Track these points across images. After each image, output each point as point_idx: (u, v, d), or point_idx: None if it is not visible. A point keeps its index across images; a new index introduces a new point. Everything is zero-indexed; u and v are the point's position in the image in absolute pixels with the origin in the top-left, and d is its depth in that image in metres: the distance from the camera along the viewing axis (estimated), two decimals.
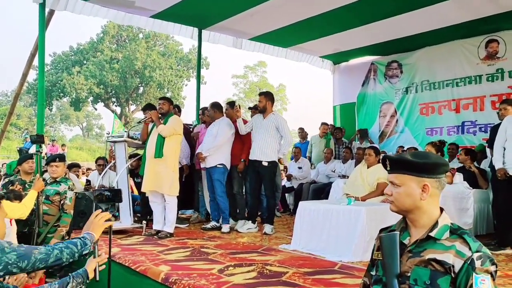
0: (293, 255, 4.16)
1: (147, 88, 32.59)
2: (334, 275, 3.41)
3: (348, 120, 9.24)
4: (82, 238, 2.10)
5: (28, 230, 4.34)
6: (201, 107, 7.38)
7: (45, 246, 1.93)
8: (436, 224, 1.50)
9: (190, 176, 6.23)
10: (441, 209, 1.55)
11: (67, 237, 4.56)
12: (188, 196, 6.31)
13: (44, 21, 5.84)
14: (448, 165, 1.62)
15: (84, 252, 2.06)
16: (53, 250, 1.92)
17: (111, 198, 2.55)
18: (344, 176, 6.86)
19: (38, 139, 4.59)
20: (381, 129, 8.71)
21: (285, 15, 6.70)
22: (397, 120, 8.50)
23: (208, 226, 5.60)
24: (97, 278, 2.24)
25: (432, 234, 1.49)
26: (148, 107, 5.70)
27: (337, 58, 9.38)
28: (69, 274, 2.22)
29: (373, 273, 1.65)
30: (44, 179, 4.45)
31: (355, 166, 6.02)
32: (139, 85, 33.05)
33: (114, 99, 34.05)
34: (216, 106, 5.79)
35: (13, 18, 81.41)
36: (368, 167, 5.17)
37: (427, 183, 1.51)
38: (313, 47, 8.54)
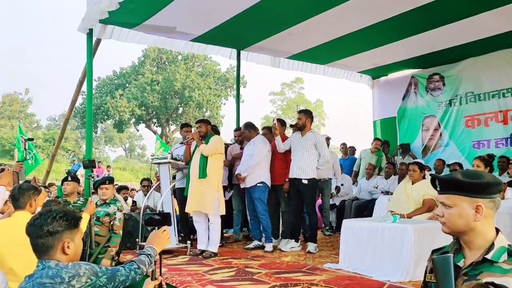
0: (338, 274, 4.10)
1: (187, 108, 33.33)
2: None
3: (389, 135, 9.07)
4: (149, 256, 2.19)
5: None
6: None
7: (124, 267, 2.07)
8: (492, 246, 1.46)
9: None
10: (497, 230, 1.51)
11: (116, 257, 4.71)
12: (229, 216, 6.36)
13: (92, 50, 6.16)
14: (502, 184, 1.58)
15: (150, 270, 2.17)
16: (130, 272, 2.06)
17: (161, 221, 2.63)
18: (387, 193, 6.72)
19: (89, 164, 4.81)
20: (424, 143, 8.49)
21: (323, 33, 6.74)
22: (441, 134, 8.27)
23: (251, 245, 5.60)
24: None
25: (489, 256, 1.44)
26: (184, 126, 5.87)
27: (376, 72, 9.29)
28: None
29: None
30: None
31: (398, 182, 5.89)
32: (179, 105, 33.88)
33: (155, 120, 35.03)
34: (250, 126, 5.85)
35: (61, 46, 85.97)
36: (412, 183, 5.05)
37: (480, 203, 1.47)
38: (351, 63, 8.51)
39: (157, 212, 5.16)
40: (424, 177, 5.05)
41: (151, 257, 2.22)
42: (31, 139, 5.71)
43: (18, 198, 3.27)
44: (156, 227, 2.41)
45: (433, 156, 8.13)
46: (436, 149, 8.30)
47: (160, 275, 2.43)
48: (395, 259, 3.90)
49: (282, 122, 6.19)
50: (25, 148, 4.93)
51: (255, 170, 5.56)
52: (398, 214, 4.55)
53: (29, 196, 3.27)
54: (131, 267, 2.09)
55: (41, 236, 1.89)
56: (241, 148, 6.27)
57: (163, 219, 2.62)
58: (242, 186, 5.69)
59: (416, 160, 6.64)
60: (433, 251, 1.69)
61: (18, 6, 78.58)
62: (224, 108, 34.64)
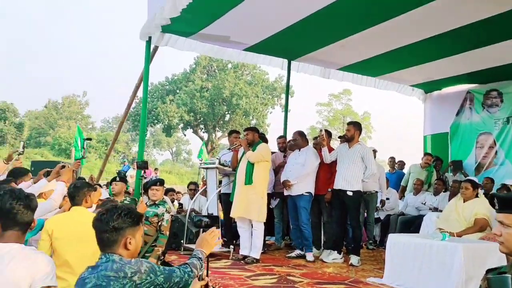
0: None
1: (234, 116, 33.81)
2: None
3: (440, 150, 8.77)
4: (200, 260, 2.28)
5: None
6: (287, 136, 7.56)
7: (179, 269, 2.16)
8: None
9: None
10: None
11: (162, 257, 4.86)
12: (271, 223, 6.39)
13: (149, 56, 6.45)
14: None
15: (200, 274, 2.25)
16: (184, 275, 2.15)
17: (209, 224, 2.72)
18: (435, 209, 6.50)
19: (142, 165, 5.00)
20: (477, 161, 8.16)
21: (375, 45, 6.69)
22: (496, 152, 7.91)
23: (293, 254, 5.60)
24: None
25: None
26: (233, 133, 5.98)
27: (429, 86, 9.05)
28: None
29: None
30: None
31: (449, 200, 5.70)
32: (226, 112, 34.44)
33: (202, 126, 35.78)
34: (303, 134, 5.89)
35: (117, 53, 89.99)
36: (464, 201, 4.88)
37: None
38: (403, 76, 8.36)
39: (206, 215, 5.29)
40: (477, 196, 4.87)
41: (201, 260, 2.30)
42: (89, 139, 6.02)
43: (74, 196, 3.47)
44: (203, 230, 2.48)
45: (486, 174, 7.79)
46: (491, 167, 7.95)
47: (207, 276, 2.51)
48: (442, 278, 3.78)
49: (328, 134, 6.17)
50: (83, 147, 5.22)
51: (304, 179, 5.58)
52: (448, 232, 4.41)
53: (84, 193, 3.46)
54: (185, 269, 2.17)
55: (106, 231, 2.01)
56: (284, 156, 6.31)
57: (212, 221, 2.72)
58: (286, 193, 5.69)
59: (469, 178, 6.39)
60: (488, 271, 1.64)
61: (78, 12, 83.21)
62: (270, 117, 34.88)
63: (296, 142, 5.87)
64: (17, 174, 3.98)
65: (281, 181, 5.69)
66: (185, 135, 41.17)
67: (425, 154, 8.00)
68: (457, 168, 8.00)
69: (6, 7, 70.73)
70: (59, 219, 3.45)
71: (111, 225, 2.01)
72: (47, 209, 3.69)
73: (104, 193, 5.30)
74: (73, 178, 4.65)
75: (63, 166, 3.98)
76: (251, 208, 5.15)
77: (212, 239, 2.41)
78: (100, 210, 2.15)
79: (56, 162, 4.43)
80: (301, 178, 5.56)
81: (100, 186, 6.13)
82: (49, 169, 4.18)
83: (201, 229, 3.54)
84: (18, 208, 1.96)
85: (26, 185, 3.80)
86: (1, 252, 1.89)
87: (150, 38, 6.30)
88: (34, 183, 3.97)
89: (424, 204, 6.99)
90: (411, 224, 6.46)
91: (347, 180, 5.32)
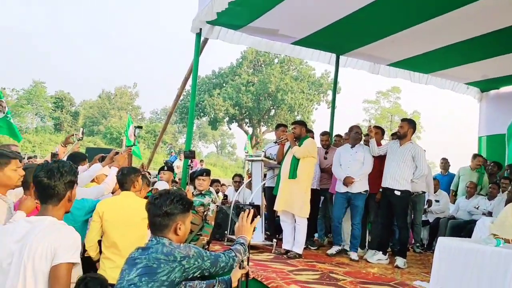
0: None
1: (279, 111, 33.79)
2: None
3: (496, 153, 8.34)
4: (243, 245, 2.31)
5: None
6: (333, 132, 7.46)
7: (224, 254, 2.21)
8: None
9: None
10: None
11: (207, 246, 4.94)
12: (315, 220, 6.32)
13: (199, 49, 6.55)
14: None
15: (245, 258, 2.31)
16: (229, 260, 2.20)
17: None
18: (489, 214, 6.19)
19: (190, 155, 5.10)
20: None
21: (428, 41, 6.44)
22: None
23: (333, 251, 5.50)
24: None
25: None
26: (280, 126, 5.96)
27: (486, 85, 8.62)
28: (216, 278, 2.43)
29: None
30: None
31: (505, 204, 5.40)
32: (271, 107, 34.47)
33: (247, 120, 36.03)
34: (360, 130, 5.79)
35: (168, 45, 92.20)
36: None
37: None
38: (457, 74, 8.01)
39: (249, 204, 5.33)
40: None
41: (244, 245, 2.33)
42: (140, 127, 6.22)
43: (122, 182, 3.60)
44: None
45: None
46: None
47: (248, 264, 2.53)
48: (495, 286, 3.59)
49: (381, 130, 6.02)
50: (134, 135, 5.41)
51: (364, 177, 5.49)
52: (503, 238, 4.18)
53: (132, 179, 3.58)
54: (229, 254, 2.22)
55: (159, 215, 2.08)
56: (326, 153, 6.21)
57: (255, 211, 2.72)
58: (345, 190, 5.47)
59: None
60: None
61: (133, 5, 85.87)
62: (316, 113, 34.55)
63: (354, 136, 5.61)
64: (75, 158, 4.18)
65: (342, 178, 5.46)
66: (230, 128, 41.68)
67: (476, 155, 7.60)
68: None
69: None
70: (110, 202, 3.59)
71: (163, 209, 2.08)
72: (100, 192, 3.86)
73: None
74: (130, 163, 4.82)
75: (117, 153, 4.14)
76: (294, 202, 5.12)
77: (248, 223, 2.42)
78: (153, 194, 2.21)
79: (110, 149, 4.62)
80: (362, 176, 5.46)
81: (149, 173, 6.34)
82: (103, 155, 4.36)
83: None
84: (48, 181, 1.97)
85: (82, 169, 3.99)
86: (34, 223, 1.94)
87: (200, 30, 6.39)
88: (89, 167, 4.15)
89: (477, 208, 6.67)
90: (462, 229, 6.19)
91: (396, 179, 5.17)
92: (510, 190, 5.75)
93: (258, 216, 2.54)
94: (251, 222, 2.44)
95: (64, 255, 1.86)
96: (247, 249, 2.33)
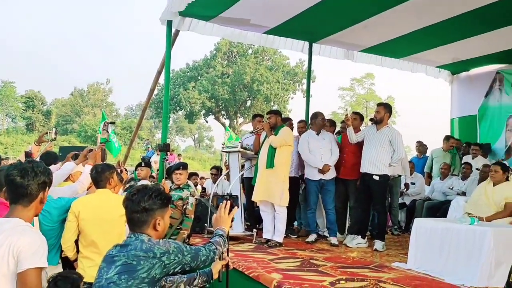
0: (408, 274, 3.97)
1: (255, 102, 33.81)
2: None
3: (468, 134, 8.54)
4: (222, 237, 2.29)
5: None
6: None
7: (205, 248, 2.19)
8: None
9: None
10: None
11: (187, 240, 4.91)
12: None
13: (170, 40, 6.43)
14: None
15: (224, 249, 2.29)
16: (210, 253, 2.18)
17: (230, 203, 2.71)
18: (463, 194, 6.35)
19: (164, 148, 5.04)
20: (507, 144, 7.89)
21: (400, 25, 6.49)
22: None
23: (312, 239, 5.50)
24: (220, 279, 2.39)
25: None
26: (256, 116, 5.94)
27: (456, 67, 8.77)
28: (197, 271, 2.41)
29: None
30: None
31: (478, 184, 5.54)
32: (247, 98, 34.45)
33: (223, 112, 35.92)
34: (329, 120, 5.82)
35: (138, 39, 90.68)
36: (494, 185, 4.73)
37: None
38: (429, 57, 8.11)
39: (225, 194, 5.32)
40: (507, 179, 4.72)
41: (223, 237, 2.31)
42: (113, 122, 6.12)
43: (97, 180, 3.53)
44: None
45: None
46: None
47: (228, 255, 2.52)
48: (471, 263, 3.69)
49: (360, 116, 6.06)
50: (107, 131, 5.30)
51: (333, 164, 5.59)
52: (476, 216, 4.29)
53: (107, 176, 3.51)
54: (210, 247, 2.20)
55: (137, 211, 2.05)
56: None
57: (232, 202, 2.70)
58: (319, 177, 5.50)
59: (499, 161, 6.19)
60: None
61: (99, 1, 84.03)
62: (292, 102, 34.73)
63: (318, 123, 5.66)
64: (48, 157, 4.08)
65: (319, 166, 5.46)
66: (207, 121, 41.45)
67: (448, 137, 7.77)
68: (486, 151, 7.77)
69: None
70: (86, 200, 3.52)
71: (142, 205, 2.05)
72: (74, 191, 3.77)
73: None
74: (103, 158, 4.73)
75: (91, 150, 4.05)
76: (273, 192, 5.13)
77: (226, 214, 2.40)
78: (131, 190, 2.17)
79: (84, 147, 4.53)
80: (333, 163, 5.56)
81: (126, 170, 6.24)
82: (77, 152, 4.26)
83: None
84: (21, 180, 1.89)
85: (55, 168, 3.89)
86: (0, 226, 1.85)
87: (170, 22, 6.28)
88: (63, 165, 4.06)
89: (452, 189, 6.83)
90: (438, 210, 6.33)
91: (374, 164, 5.23)
92: (483, 170, 5.90)
93: (236, 207, 2.52)
94: (229, 213, 2.42)
95: (31, 259, 1.78)
96: (226, 240, 2.31)
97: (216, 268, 2.42)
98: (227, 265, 2.50)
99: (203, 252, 2.15)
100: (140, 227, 2.06)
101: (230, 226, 2.47)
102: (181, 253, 2.04)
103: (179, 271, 2.07)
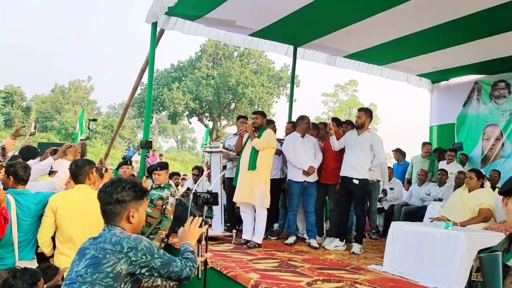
0: (383, 276, 4.04)
1: (239, 104, 33.77)
2: None
3: (446, 141, 8.72)
4: (193, 253, 2.21)
5: None
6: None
7: (181, 261, 2.08)
8: None
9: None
10: None
11: (166, 240, 4.89)
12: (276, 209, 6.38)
13: (155, 39, 6.41)
14: None
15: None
16: (185, 267, 2.07)
17: (208, 200, 2.72)
18: (440, 200, 6.48)
19: (146, 145, 5.01)
20: (484, 153, 8.09)
21: (382, 33, 6.59)
22: (503, 144, 7.84)
23: (291, 241, 5.53)
24: (200, 276, 2.38)
25: None
26: (240, 117, 5.96)
27: (436, 76, 8.96)
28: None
29: None
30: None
31: (454, 190, 5.68)
32: (232, 101, 34.39)
33: (207, 114, 35.78)
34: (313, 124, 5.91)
35: (122, 37, 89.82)
36: (469, 191, 4.85)
37: None
38: (410, 65, 8.27)
39: (206, 191, 5.30)
40: (482, 186, 4.85)
41: (193, 253, 2.24)
42: (95, 120, 6.04)
43: (77, 175, 3.50)
44: (201, 206, 2.45)
45: (493, 166, 7.72)
46: (497, 159, 7.89)
47: (206, 253, 2.52)
48: (445, 266, 3.78)
49: (338, 122, 6.15)
50: (88, 128, 5.25)
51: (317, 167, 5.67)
52: (451, 221, 4.39)
53: (86, 171, 3.49)
54: (187, 263, 2.11)
55: (110, 203, 2.03)
56: None
57: (212, 198, 2.71)
58: (302, 179, 5.56)
59: (474, 168, 6.35)
60: (480, 251, 1.65)
61: None
62: (276, 106, 34.84)
63: (303, 127, 5.72)
64: (26, 152, 4.03)
65: (304, 168, 5.54)
66: (190, 123, 41.22)
67: (425, 143, 7.93)
68: (458, 149, 7.91)
69: None
70: (64, 196, 3.49)
71: (114, 197, 2.03)
72: (52, 186, 3.73)
73: None
74: (83, 154, 4.69)
75: (70, 146, 4.02)
76: (254, 193, 5.14)
77: (195, 229, 2.31)
78: (105, 183, 2.16)
79: (63, 144, 4.48)
80: (317, 166, 5.66)
81: (106, 170, 6.17)
82: (55, 148, 4.21)
83: (203, 207, 3.53)
84: None
85: (32, 162, 3.84)
86: None
87: (156, 21, 6.26)
88: (41, 161, 4.00)
89: (429, 195, 6.96)
90: (415, 215, 6.44)
91: (354, 168, 5.30)
92: (458, 176, 6.04)
93: (207, 226, 2.49)
94: (200, 226, 2.37)
95: None
96: (196, 258, 2.23)
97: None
98: (205, 262, 2.50)
99: (178, 264, 2.05)
100: (113, 219, 2.04)
101: (208, 229, 2.44)
102: (150, 255, 1.96)
103: (147, 274, 1.98)
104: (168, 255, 2.05)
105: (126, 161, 5.69)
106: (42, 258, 3.56)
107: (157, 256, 1.97)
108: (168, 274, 2.01)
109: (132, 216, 2.05)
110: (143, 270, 1.96)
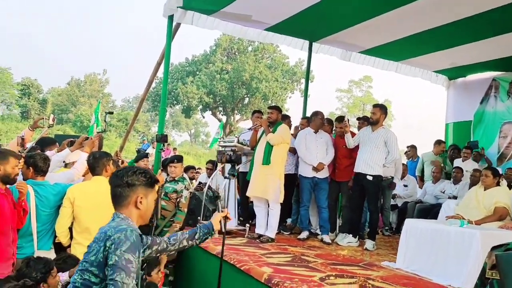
0: (396, 273, 4.03)
1: (253, 99, 33.76)
2: None
3: (463, 139, 8.60)
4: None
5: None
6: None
7: (127, 278, 1.81)
8: None
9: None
10: None
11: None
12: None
13: (171, 33, 6.44)
14: None
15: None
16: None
17: (232, 158, 2.80)
18: (455, 198, 6.42)
19: (162, 139, 5.05)
20: (500, 151, 7.97)
21: (398, 28, 6.53)
22: None
23: (304, 236, 5.58)
24: (223, 229, 2.48)
25: None
26: (256, 112, 5.98)
27: (453, 73, 8.83)
28: (198, 225, 2.46)
29: None
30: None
31: (469, 188, 5.62)
32: (245, 95, 34.39)
33: (221, 108, 35.86)
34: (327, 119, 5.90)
35: (138, 31, 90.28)
36: (485, 189, 4.80)
37: None
38: (426, 61, 8.17)
39: (230, 149, 5.34)
40: (498, 184, 4.79)
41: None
42: (111, 113, 6.12)
43: (94, 166, 3.56)
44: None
45: (509, 165, 7.60)
46: None
47: (223, 253, 2.55)
48: (459, 264, 3.75)
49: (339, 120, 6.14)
50: (105, 121, 5.31)
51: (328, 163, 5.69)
52: (466, 219, 4.36)
53: (104, 163, 3.55)
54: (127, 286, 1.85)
55: (119, 185, 2.04)
56: None
57: (235, 156, 2.72)
58: (312, 175, 5.58)
59: (490, 166, 6.28)
60: (494, 248, 1.63)
61: None
62: (289, 102, 34.74)
63: (317, 122, 5.74)
64: (44, 143, 4.10)
65: (314, 164, 5.56)
66: (203, 117, 41.37)
67: (440, 141, 7.84)
68: (473, 147, 7.77)
69: None
70: (81, 187, 3.55)
71: (125, 179, 2.04)
72: (69, 178, 3.80)
73: None
74: (101, 147, 4.76)
75: (87, 138, 4.08)
76: (268, 188, 5.16)
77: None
78: (118, 169, 2.20)
79: (79, 136, 4.57)
80: (328, 163, 5.67)
81: (123, 162, 6.25)
82: (72, 140, 4.28)
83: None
84: None
85: (50, 154, 3.91)
86: None
87: (172, 15, 6.29)
88: (58, 152, 4.08)
89: (443, 192, 6.90)
90: (429, 212, 6.39)
91: (368, 164, 5.28)
92: (473, 174, 5.97)
93: (224, 209, 2.58)
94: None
95: None
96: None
97: (216, 219, 2.46)
98: (225, 217, 2.53)
99: (123, 278, 1.78)
100: (121, 203, 2.04)
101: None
102: (115, 248, 1.81)
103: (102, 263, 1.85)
104: (129, 267, 1.81)
105: (146, 154, 5.76)
106: (59, 247, 3.63)
107: (118, 254, 1.81)
108: (108, 277, 1.81)
109: (140, 202, 2.04)
110: (101, 261, 1.86)
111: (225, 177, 2.34)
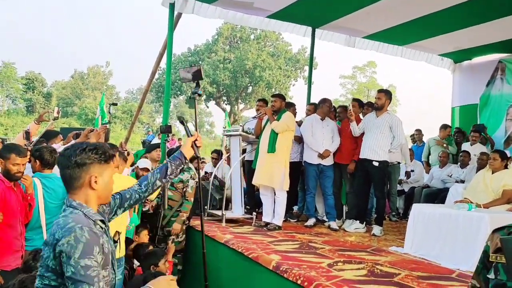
0: (404, 258, 4.03)
1: (256, 88, 33.66)
2: (451, 282, 3.26)
3: (469, 122, 8.52)
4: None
5: (154, 212, 4.83)
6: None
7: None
8: None
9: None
10: None
11: (187, 222, 4.97)
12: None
13: (173, 23, 6.39)
14: None
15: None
16: None
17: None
18: (462, 182, 6.39)
19: (166, 129, 5.05)
20: (507, 134, 7.91)
21: (402, 12, 6.45)
22: None
23: (311, 223, 5.60)
24: (197, 154, 2.31)
25: None
26: (260, 101, 5.96)
27: (459, 56, 8.74)
28: (167, 158, 2.32)
29: (490, 276, 1.52)
30: None
31: (476, 172, 5.58)
32: (249, 84, 34.28)
33: (224, 98, 35.79)
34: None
35: (139, 22, 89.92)
36: (493, 173, 4.77)
37: None
38: (431, 45, 8.08)
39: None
40: (506, 167, 4.76)
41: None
42: (115, 104, 6.13)
43: None
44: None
45: None
46: None
47: (204, 246, 2.40)
48: (467, 248, 3.74)
49: (360, 103, 6.12)
50: (109, 112, 5.32)
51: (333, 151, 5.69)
52: (474, 203, 4.34)
53: None
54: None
55: (68, 167, 1.77)
56: None
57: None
58: (317, 162, 5.60)
59: (498, 149, 6.23)
60: (496, 230, 1.59)
61: None
62: (293, 89, 34.65)
63: (325, 110, 5.74)
64: (49, 135, 4.11)
65: (320, 150, 5.58)
66: (207, 107, 41.31)
67: (446, 126, 7.78)
68: (480, 130, 7.70)
69: None
70: None
71: (73, 159, 1.76)
72: None
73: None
74: (107, 139, 4.77)
75: (92, 130, 4.08)
76: (274, 176, 5.16)
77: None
78: (66, 147, 2.03)
79: (84, 129, 4.57)
80: (334, 150, 5.69)
81: (128, 154, 6.26)
82: (78, 132, 4.29)
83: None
84: None
85: (56, 146, 3.92)
86: None
87: (173, 5, 6.24)
88: (64, 145, 4.09)
89: (451, 176, 6.87)
90: (436, 197, 6.38)
91: (374, 150, 5.26)
92: (480, 158, 5.93)
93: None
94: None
95: None
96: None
97: (187, 146, 2.29)
98: (195, 142, 2.33)
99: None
100: (73, 186, 1.78)
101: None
102: (68, 257, 1.58)
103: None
104: (89, 274, 1.58)
105: (158, 144, 5.77)
106: None
107: (73, 263, 1.57)
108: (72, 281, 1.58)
109: (95, 182, 1.77)
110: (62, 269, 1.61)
111: (190, 97, 2.21)
